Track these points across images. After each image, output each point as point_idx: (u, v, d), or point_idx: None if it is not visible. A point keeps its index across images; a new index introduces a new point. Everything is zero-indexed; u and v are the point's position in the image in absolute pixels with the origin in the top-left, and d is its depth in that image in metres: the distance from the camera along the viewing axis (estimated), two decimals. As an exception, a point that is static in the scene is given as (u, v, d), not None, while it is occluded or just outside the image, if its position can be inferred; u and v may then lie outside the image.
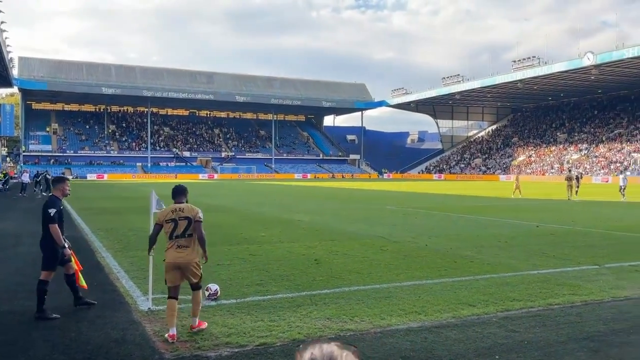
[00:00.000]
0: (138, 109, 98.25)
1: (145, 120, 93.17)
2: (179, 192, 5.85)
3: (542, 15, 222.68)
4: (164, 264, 5.66)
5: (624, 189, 29.28)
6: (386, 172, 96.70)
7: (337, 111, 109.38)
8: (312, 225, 16.06)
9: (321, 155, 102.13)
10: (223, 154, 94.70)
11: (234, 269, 9.03)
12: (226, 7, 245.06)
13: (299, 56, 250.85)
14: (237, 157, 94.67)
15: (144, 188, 41.11)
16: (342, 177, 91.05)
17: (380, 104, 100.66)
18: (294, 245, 11.90)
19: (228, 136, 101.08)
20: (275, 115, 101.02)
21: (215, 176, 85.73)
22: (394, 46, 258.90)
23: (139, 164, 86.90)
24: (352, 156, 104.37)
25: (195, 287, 5.69)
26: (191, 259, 5.56)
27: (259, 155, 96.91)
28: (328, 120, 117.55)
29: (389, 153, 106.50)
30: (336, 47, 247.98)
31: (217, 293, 7.00)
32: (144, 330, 5.76)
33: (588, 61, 59.77)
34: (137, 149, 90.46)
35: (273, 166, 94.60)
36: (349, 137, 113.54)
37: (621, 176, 33.27)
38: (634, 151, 65.60)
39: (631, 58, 56.78)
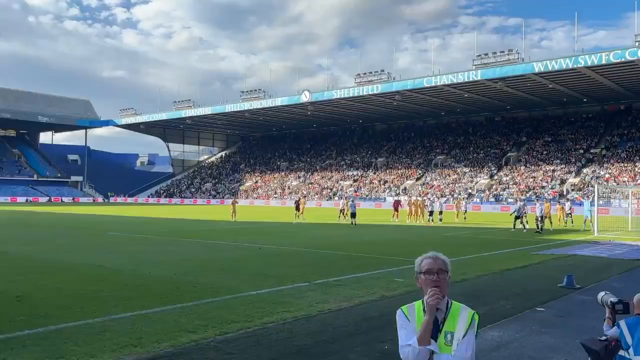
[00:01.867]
0: None
1: None
2: None
3: (269, 52, 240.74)
4: None
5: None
6: (113, 196, 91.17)
7: (57, 128, 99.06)
8: (18, 256, 14.06)
9: (36, 176, 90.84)
10: None
11: None
12: None
13: (11, 64, 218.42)
14: None
15: None
16: (61, 200, 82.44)
17: (107, 123, 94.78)
18: (-10, 281, 10.18)
19: None
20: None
21: None
22: (124, 65, 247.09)
23: None
24: (73, 178, 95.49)
25: None
26: None
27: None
28: (45, 137, 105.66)
29: (117, 175, 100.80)
30: (58, 59, 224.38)
31: None
32: None
33: (305, 98, 66.69)
34: None
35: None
36: (71, 156, 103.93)
37: (341, 201, 38.07)
38: (341, 179, 75.55)
39: (339, 98, 65.50)
